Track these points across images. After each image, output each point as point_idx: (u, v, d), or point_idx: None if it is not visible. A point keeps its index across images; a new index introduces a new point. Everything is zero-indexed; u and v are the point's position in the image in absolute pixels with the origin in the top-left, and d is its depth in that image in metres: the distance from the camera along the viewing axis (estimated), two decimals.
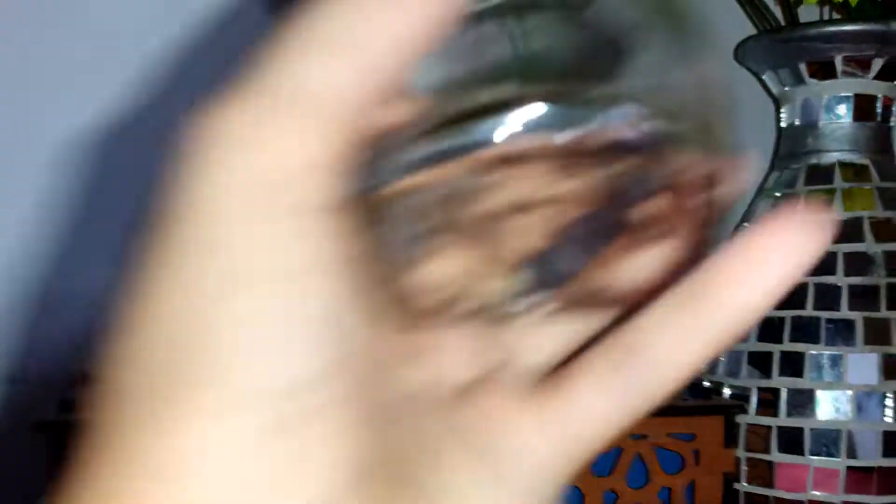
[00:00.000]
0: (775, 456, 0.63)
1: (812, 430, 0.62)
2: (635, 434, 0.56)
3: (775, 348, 0.64)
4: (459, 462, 0.20)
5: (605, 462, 0.56)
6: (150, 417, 0.16)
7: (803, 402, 0.63)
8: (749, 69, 0.75)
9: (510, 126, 0.18)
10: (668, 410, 0.57)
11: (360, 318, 0.17)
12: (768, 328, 0.65)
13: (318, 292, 0.16)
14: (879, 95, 0.67)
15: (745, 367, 0.66)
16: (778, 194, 0.70)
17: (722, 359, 0.67)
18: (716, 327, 0.20)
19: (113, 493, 0.16)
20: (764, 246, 0.20)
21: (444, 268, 0.20)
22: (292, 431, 0.16)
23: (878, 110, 0.68)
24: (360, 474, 0.17)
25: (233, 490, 0.16)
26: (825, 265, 0.65)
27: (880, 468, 0.61)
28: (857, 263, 0.64)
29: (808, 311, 0.64)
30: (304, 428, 0.16)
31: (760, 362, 0.65)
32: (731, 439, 0.58)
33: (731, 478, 0.58)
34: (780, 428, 0.63)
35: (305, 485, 0.16)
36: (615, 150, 0.19)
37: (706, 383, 0.66)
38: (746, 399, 0.64)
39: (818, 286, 0.64)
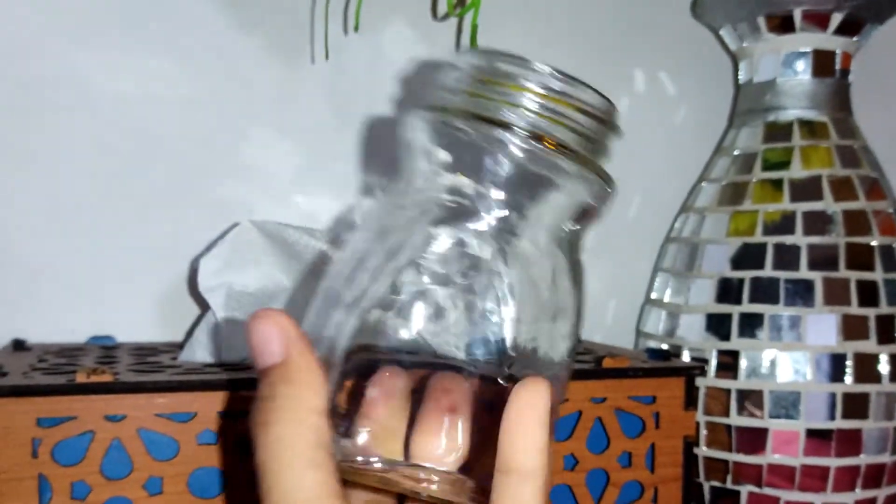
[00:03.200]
0: (734, 419, 0.62)
1: (771, 392, 0.61)
2: (595, 398, 0.54)
3: (734, 310, 0.63)
4: None
5: (566, 426, 0.54)
6: None
7: (762, 364, 0.62)
8: (706, 24, 0.73)
9: None
10: (627, 373, 0.55)
11: None
12: (727, 289, 0.64)
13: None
14: (838, 51, 0.66)
15: (703, 329, 0.64)
16: (736, 152, 0.68)
17: (681, 321, 0.66)
18: None
19: None
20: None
21: None
22: None
23: (837, 67, 0.66)
24: None
25: None
26: (784, 224, 0.63)
27: (840, 430, 0.60)
28: (816, 222, 0.63)
29: (767, 271, 0.63)
30: None
31: (719, 324, 0.64)
32: (690, 402, 0.56)
33: (691, 441, 0.56)
34: (738, 391, 0.62)
35: None
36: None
37: (665, 346, 0.64)
38: (706, 362, 0.63)
39: (777, 246, 0.63)
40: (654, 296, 0.71)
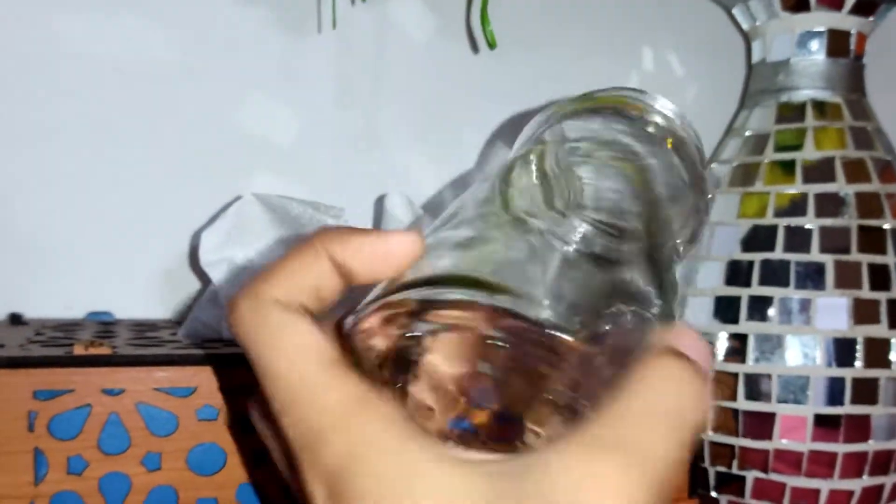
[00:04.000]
0: (741, 403, 0.61)
1: (779, 376, 0.60)
2: None
3: (743, 292, 0.62)
4: None
5: None
6: None
7: (771, 348, 0.61)
8: (718, 2, 0.72)
9: None
10: None
11: None
12: (736, 272, 0.63)
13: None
14: (853, 31, 0.65)
15: (711, 313, 0.63)
16: (747, 133, 0.67)
17: (688, 303, 0.65)
18: None
19: None
20: None
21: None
22: None
23: (852, 47, 0.65)
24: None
25: None
26: (795, 206, 0.62)
27: (848, 416, 0.59)
28: (828, 205, 0.62)
29: (778, 253, 0.62)
30: None
31: (727, 307, 0.63)
32: None
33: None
34: (746, 375, 0.61)
35: None
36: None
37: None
38: (713, 345, 0.62)
39: (788, 228, 0.62)
40: None
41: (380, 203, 0.63)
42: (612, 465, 0.22)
